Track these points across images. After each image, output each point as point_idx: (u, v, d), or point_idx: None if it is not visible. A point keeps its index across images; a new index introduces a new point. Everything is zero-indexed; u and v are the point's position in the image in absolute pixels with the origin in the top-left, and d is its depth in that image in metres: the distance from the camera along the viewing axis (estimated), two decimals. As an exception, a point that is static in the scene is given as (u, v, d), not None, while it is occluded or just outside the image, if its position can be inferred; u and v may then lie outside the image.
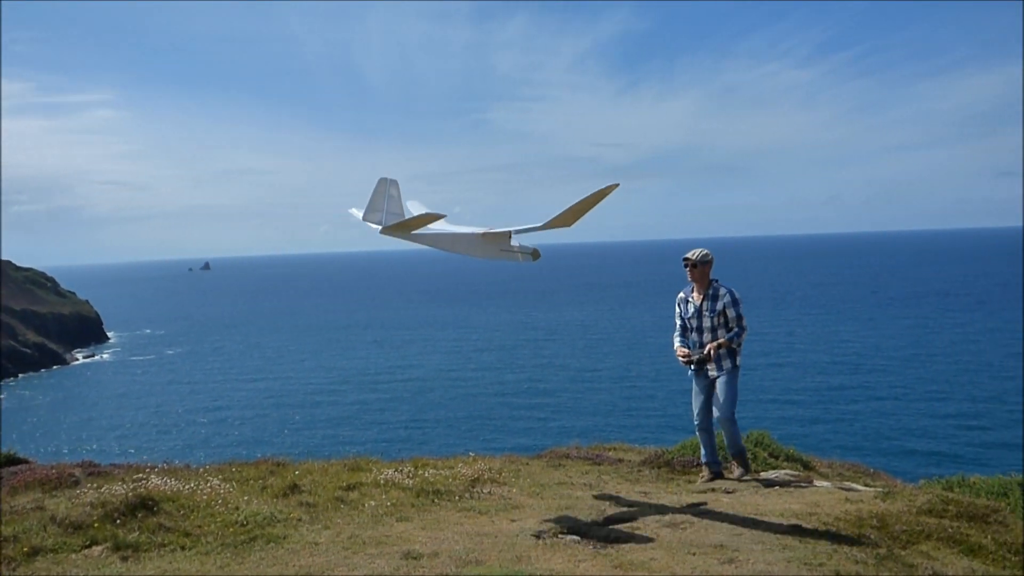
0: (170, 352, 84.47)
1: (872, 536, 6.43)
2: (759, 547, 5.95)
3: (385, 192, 7.21)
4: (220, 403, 53.44)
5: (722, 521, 6.78)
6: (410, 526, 6.65)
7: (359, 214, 7.70)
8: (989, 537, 6.65)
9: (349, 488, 7.78)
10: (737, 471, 8.94)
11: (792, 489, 8.41)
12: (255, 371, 66.29)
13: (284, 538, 6.26)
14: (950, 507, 7.37)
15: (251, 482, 8.00)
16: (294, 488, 7.69)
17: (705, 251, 8.66)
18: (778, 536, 6.29)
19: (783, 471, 9.48)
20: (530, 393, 52.98)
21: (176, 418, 50.81)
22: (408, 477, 8.21)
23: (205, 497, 7.18)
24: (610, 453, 10.78)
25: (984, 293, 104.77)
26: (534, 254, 8.46)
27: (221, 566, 5.62)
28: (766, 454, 10.26)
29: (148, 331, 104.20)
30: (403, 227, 7.30)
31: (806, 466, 10.45)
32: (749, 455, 9.69)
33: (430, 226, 7.49)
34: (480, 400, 51.14)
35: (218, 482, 7.73)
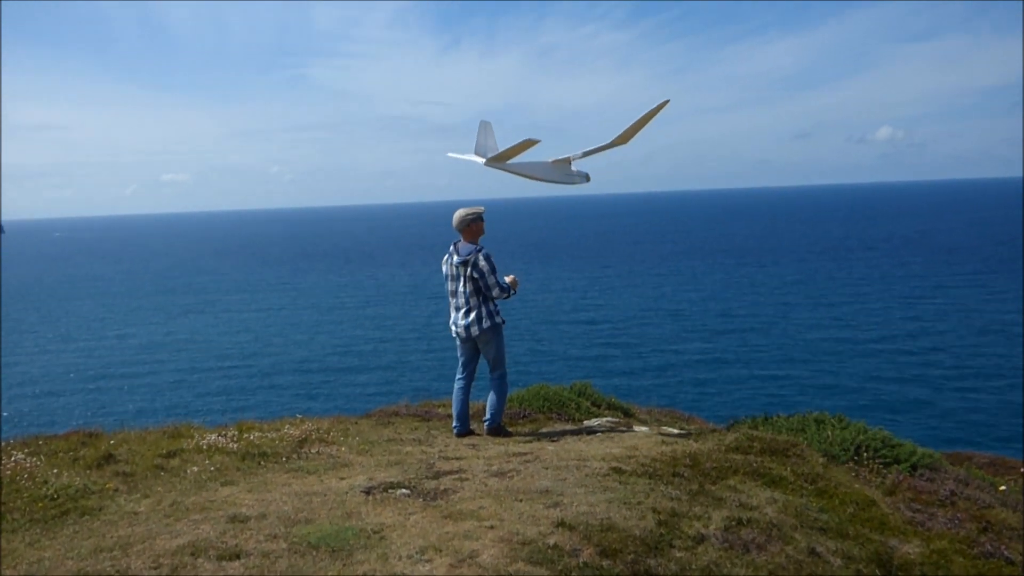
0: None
1: (685, 474, 6.86)
2: (582, 490, 6.21)
3: (485, 132, 9.26)
4: (22, 378, 49.64)
5: (547, 468, 7.02)
6: (236, 489, 6.49)
7: (458, 155, 10.08)
8: (788, 469, 7.24)
9: (169, 455, 7.47)
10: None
11: (613, 435, 8.83)
12: (59, 342, 61.96)
13: (100, 509, 5.95)
14: (755, 444, 7.96)
15: (60, 454, 7.53)
16: (109, 458, 7.30)
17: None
18: (600, 479, 6.59)
19: (605, 419, 9.92)
20: (356, 354, 52.47)
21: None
22: (232, 441, 7.98)
23: (8, 472, 6.70)
24: (439, 409, 10.89)
25: (774, 252, 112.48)
26: (586, 178, 10.28)
27: (30, 542, 5.29)
28: (589, 403, 10.70)
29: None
30: (502, 157, 9.24)
31: (626, 413, 10.98)
32: (573, 405, 10.09)
33: (513, 160, 9.37)
34: (307, 363, 50.20)
35: (22, 456, 7.23)
